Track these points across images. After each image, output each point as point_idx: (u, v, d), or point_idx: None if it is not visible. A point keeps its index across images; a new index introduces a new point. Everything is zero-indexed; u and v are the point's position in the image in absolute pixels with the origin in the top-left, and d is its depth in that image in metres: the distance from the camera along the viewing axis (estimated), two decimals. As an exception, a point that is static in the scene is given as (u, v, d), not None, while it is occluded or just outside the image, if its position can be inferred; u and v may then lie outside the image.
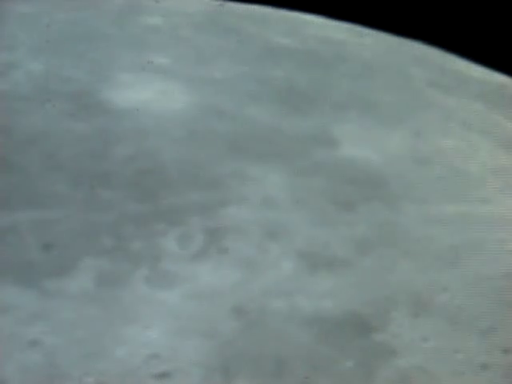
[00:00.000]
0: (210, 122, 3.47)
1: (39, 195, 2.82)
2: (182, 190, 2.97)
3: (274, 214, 2.95)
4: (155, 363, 2.30)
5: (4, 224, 2.67)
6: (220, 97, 3.70)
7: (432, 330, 2.60)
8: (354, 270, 2.77)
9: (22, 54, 3.78)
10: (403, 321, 2.61)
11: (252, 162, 3.22)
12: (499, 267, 2.92)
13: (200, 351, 2.36)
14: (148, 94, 3.60)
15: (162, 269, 2.61)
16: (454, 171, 3.49)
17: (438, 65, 4.87)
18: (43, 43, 3.96)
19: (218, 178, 3.08)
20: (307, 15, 5.26)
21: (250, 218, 2.90)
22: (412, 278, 2.79)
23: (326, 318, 2.55)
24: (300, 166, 3.27)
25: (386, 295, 2.70)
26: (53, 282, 2.49)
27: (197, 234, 2.77)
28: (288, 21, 5.13)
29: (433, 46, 5.09)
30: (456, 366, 2.49)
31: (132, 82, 3.69)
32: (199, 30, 4.54)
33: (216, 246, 2.74)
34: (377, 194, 3.19)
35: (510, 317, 2.71)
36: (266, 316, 2.52)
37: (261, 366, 2.36)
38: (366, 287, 2.72)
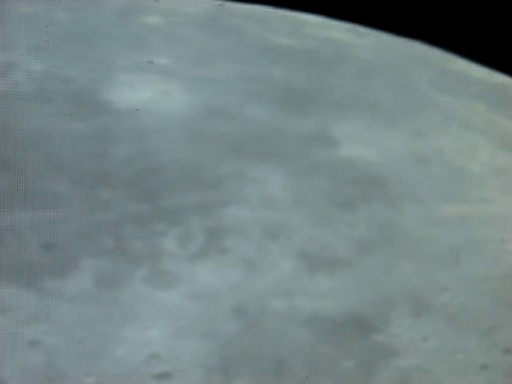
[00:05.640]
0: (210, 122, 3.47)
1: (39, 195, 2.82)
2: (182, 190, 2.97)
3: (274, 214, 2.95)
4: (155, 363, 2.30)
5: (4, 224, 2.67)
6: (220, 97, 3.70)
7: (432, 330, 2.60)
8: (354, 270, 2.77)
9: (22, 54, 3.78)
10: (403, 321, 2.61)
11: (252, 161, 3.22)
12: (499, 267, 2.92)
13: (200, 351, 2.36)
14: (148, 94, 3.60)
15: (162, 269, 2.61)
16: (454, 171, 3.49)
17: (438, 65, 4.87)
18: (43, 43, 3.96)
19: (217, 178, 3.08)
20: (307, 15, 5.25)
21: (250, 217, 2.90)
22: (412, 278, 2.79)
23: (326, 318, 2.55)
24: (300, 166, 3.27)
25: (386, 295, 2.70)
26: (53, 282, 2.48)
27: (197, 234, 2.77)
28: (288, 21, 5.13)
29: (433, 46, 5.09)
30: (456, 366, 2.49)
31: (132, 82, 3.69)
32: (199, 30, 4.54)
33: (216, 246, 2.74)
34: (377, 194, 3.19)
35: (510, 317, 2.70)
36: (266, 316, 2.52)
37: (261, 365, 2.36)
38: (366, 287, 2.72)
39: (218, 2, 4.98)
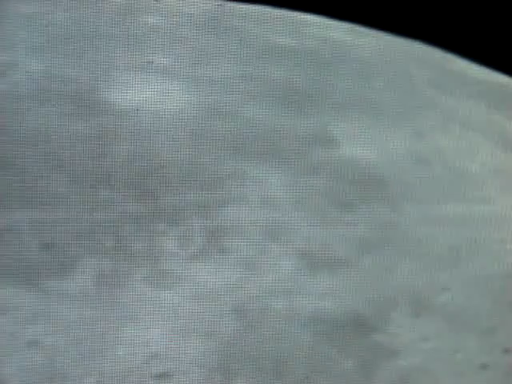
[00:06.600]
0: (210, 122, 3.47)
1: (39, 195, 2.82)
2: (182, 190, 2.97)
3: (274, 214, 2.95)
4: (155, 363, 2.30)
5: (4, 224, 2.67)
6: (220, 97, 3.70)
7: (432, 330, 2.60)
8: (353, 270, 2.77)
9: (22, 54, 3.78)
10: (403, 321, 2.61)
11: (252, 162, 3.22)
12: (499, 267, 2.92)
13: (200, 351, 2.36)
14: (148, 94, 3.60)
15: (162, 269, 2.61)
16: (454, 171, 3.49)
17: (438, 65, 4.88)
18: (43, 43, 3.96)
19: (218, 178, 3.08)
20: (307, 15, 5.25)
21: (249, 218, 2.90)
22: (412, 278, 2.79)
23: (326, 318, 2.55)
24: (300, 166, 3.27)
25: (386, 295, 2.70)
26: (53, 282, 2.49)
27: (197, 234, 2.77)
28: (288, 21, 5.13)
29: (433, 46, 5.09)
30: (456, 366, 2.49)
31: (132, 82, 3.69)
32: (199, 30, 4.54)
33: (216, 246, 2.74)
34: (377, 194, 3.19)
35: (509, 317, 2.70)
36: (266, 316, 2.52)
37: (261, 366, 2.36)
38: (366, 287, 2.72)
39: (218, 2, 4.98)
